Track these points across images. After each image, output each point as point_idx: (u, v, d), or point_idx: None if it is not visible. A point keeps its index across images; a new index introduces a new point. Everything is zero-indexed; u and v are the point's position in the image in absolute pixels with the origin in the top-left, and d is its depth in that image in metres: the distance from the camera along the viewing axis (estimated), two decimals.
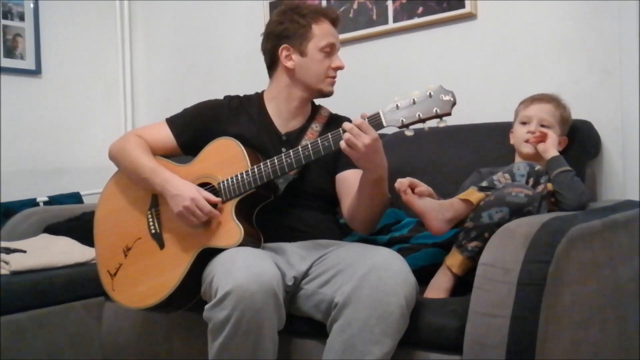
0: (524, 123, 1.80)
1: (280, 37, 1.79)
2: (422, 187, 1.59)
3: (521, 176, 1.55)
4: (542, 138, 1.74)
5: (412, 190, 1.56)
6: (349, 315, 1.39)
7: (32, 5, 3.10)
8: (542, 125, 1.77)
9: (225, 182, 1.68)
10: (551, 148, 1.72)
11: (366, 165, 1.54)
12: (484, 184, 1.57)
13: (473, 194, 1.56)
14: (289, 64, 1.79)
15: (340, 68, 1.81)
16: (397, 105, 1.47)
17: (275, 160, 1.62)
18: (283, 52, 1.79)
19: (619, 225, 1.58)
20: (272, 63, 1.85)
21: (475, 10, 2.24)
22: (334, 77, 1.81)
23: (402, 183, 1.56)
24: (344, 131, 1.48)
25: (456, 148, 2.06)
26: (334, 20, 1.82)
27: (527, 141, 1.77)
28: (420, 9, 2.36)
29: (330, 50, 1.79)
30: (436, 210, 1.54)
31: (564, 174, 1.64)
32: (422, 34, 2.39)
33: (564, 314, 1.31)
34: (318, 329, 1.51)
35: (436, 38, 2.35)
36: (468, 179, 1.80)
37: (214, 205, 1.66)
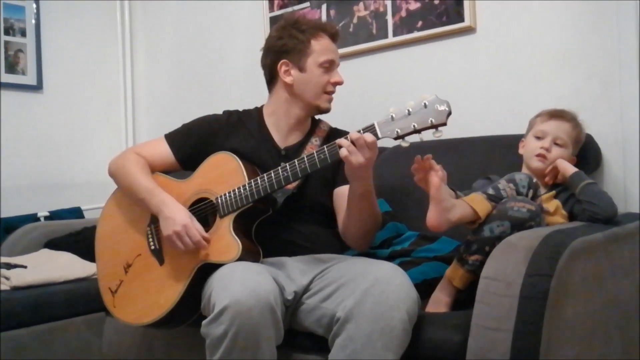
0: (538, 137, 1.75)
1: (279, 52, 1.80)
2: (441, 172, 1.50)
3: (523, 187, 1.55)
4: (554, 173, 1.71)
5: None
6: (351, 330, 1.38)
7: (33, 21, 3.12)
8: (556, 144, 1.72)
9: (223, 196, 1.68)
10: (569, 167, 1.69)
11: (356, 176, 1.54)
12: (490, 191, 1.54)
13: (483, 207, 1.51)
14: (288, 79, 1.79)
15: (339, 83, 1.81)
16: (392, 116, 1.47)
17: (272, 174, 1.62)
18: (282, 68, 1.80)
19: (621, 237, 1.58)
20: (271, 78, 1.86)
21: (475, 24, 2.25)
22: (333, 92, 1.81)
23: (429, 159, 1.47)
24: (340, 146, 1.49)
25: (456, 161, 2.05)
26: (334, 35, 1.83)
27: (538, 155, 1.73)
28: (420, 23, 2.37)
29: (329, 65, 1.79)
30: (447, 207, 1.47)
31: (591, 185, 1.62)
32: (421, 47, 2.39)
33: (567, 327, 1.31)
34: (320, 344, 1.50)
35: (436, 52, 2.36)
36: (477, 182, 1.75)
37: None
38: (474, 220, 1.52)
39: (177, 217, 1.66)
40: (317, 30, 1.80)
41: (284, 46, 1.79)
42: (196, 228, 1.65)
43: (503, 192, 1.54)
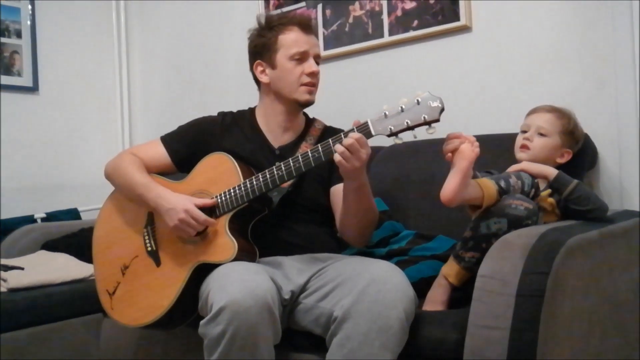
0: (524, 132, 1.77)
1: (254, 54, 1.83)
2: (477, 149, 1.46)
3: (528, 186, 1.55)
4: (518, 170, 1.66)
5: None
6: (349, 329, 1.39)
7: (29, 23, 3.11)
8: (540, 134, 1.73)
9: (218, 196, 1.68)
10: (544, 168, 1.64)
11: (350, 174, 1.55)
12: (502, 183, 1.52)
13: (490, 197, 1.48)
14: (264, 79, 1.81)
15: (314, 73, 1.77)
16: (385, 113, 1.48)
17: (267, 173, 1.62)
18: (257, 69, 1.82)
19: (617, 235, 1.58)
20: (256, 81, 1.87)
21: (470, 23, 2.26)
22: (311, 83, 1.78)
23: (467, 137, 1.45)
24: (334, 143, 1.49)
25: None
26: (304, 26, 1.79)
27: (521, 147, 1.74)
28: (416, 22, 2.37)
29: (300, 57, 1.76)
30: (467, 184, 1.44)
31: (578, 190, 1.58)
32: (417, 47, 2.40)
33: (564, 324, 1.31)
34: (317, 343, 1.50)
35: (432, 51, 2.36)
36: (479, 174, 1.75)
37: (210, 211, 1.66)
38: (478, 205, 1.50)
39: (177, 205, 1.66)
40: (286, 24, 1.79)
41: (255, 47, 1.82)
42: (198, 205, 1.66)
43: (512, 188, 1.53)
